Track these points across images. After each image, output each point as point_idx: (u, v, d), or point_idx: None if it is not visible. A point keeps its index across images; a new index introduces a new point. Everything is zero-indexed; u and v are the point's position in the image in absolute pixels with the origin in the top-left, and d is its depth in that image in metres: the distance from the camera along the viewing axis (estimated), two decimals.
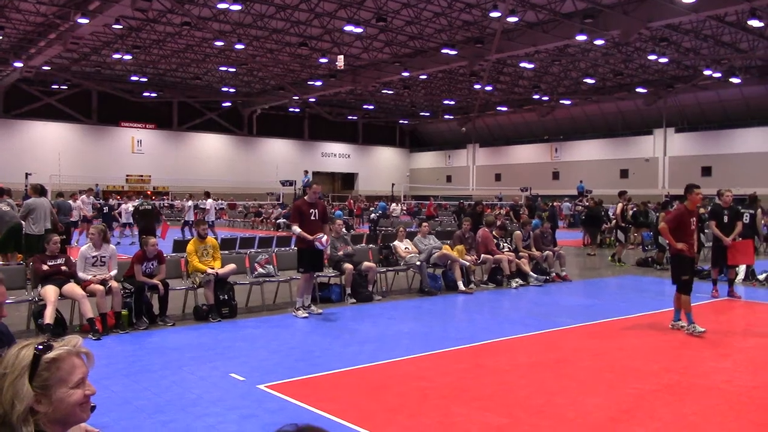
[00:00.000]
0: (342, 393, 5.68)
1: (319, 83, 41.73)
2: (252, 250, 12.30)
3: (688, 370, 6.48)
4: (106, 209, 24.23)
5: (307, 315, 9.08)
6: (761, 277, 12.51)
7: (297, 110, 53.75)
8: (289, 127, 55.70)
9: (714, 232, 11.03)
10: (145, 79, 43.34)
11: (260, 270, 10.08)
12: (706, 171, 42.99)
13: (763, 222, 18.23)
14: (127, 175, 46.77)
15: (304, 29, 30.86)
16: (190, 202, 22.93)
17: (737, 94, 42.08)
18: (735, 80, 38.44)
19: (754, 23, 27.27)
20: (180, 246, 11.66)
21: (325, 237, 9.10)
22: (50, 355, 1.71)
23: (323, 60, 35.14)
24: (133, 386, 5.79)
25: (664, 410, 5.23)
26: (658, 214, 16.72)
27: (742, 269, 12.29)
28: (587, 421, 4.98)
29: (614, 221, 17.52)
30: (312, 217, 9.30)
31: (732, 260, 10.80)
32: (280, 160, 52.53)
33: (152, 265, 8.73)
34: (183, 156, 49.41)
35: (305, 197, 9.79)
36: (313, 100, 47.04)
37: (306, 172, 32.49)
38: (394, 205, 36.74)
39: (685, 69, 38.63)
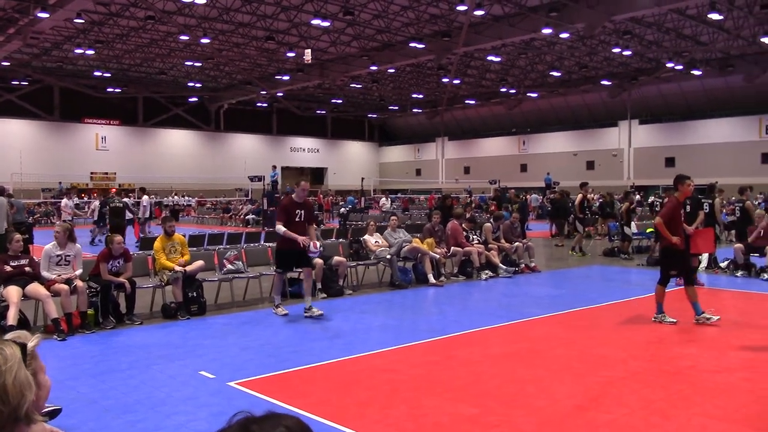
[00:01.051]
0: (313, 388, 5.67)
1: (286, 77, 41.42)
2: (221, 246, 12.19)
3: (654, 357, 6.60)
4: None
5: (286, 312, 8.91)
6: (723, 264, 12.81)
7: (265, 105, 53.31)
8: (256, 122, 55.21)
9: None
10: (108, 75, 42.50)
11: (229, 266, 9.99)
12: (670, 162, 43.77)
13: (724, 211, 18.70)
14: (92, 173, 45.85)
15: (271, 23, 30.58)
16: (145, 198, 22.54)
17: (698, 86, 42.91)
18: (696, 72, 39.21)
19: (714, 16, 27.85)
20: (147, 243, 11.50)
21: (316, 243, 8.93)
22: (31, 344, 1.77)
23: (290, 54, 34.88)
24: (100, 386, 5.70)
25: (631, 397, 5.32)
26: (621, 204, 16.96)
27: (704, 257, 12.56)
28: (557, 409, 5.05)
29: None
30: (297, 219, 8.82)
31: (694, 249, 10.97)
32: (248, 156, 52.06)
33: (118, 263, 8.58)
34: (149, 152, 48.64)
35: (293, 195, 9.18)
36: (280, 94, 46.70)
37: (274, 167, 32.29)
38: (383, 199, 36.65)
39: (648, 62, 39.25)
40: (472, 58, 38.62)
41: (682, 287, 10.90)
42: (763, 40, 31.68)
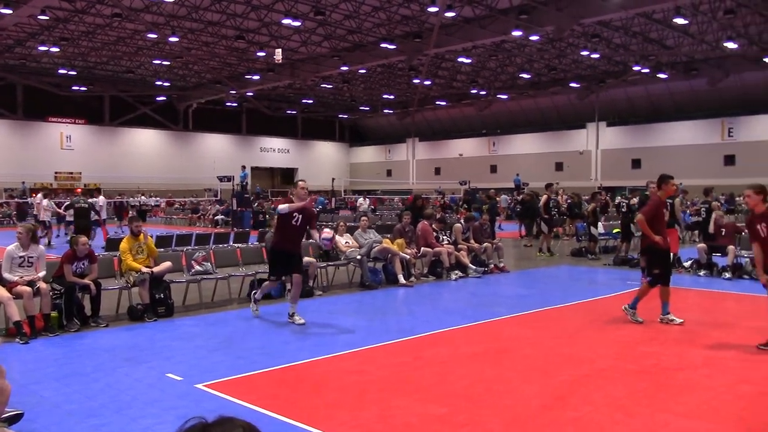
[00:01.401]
0: (282, 390, 5.64)
1: (256, 77, 41.15)
2: (189, 247, 12.06)
3: (620, 355, 6.71)
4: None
5: (257, 311, 8.87)
6: (686, 264, 13.07)
7: (234, 104, 52.84)
8: (226, 122, 54.69)
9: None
10: (73, 73, 41.72)
11: (197, 267, 9.88)
12: (636, 163, 44.60)
13: (689, 211, 19.08)
14: (56, 172, 44.94)
15: (241, 22, 30.35)
16: (101, 199, 22.19)
17: (664, 89, 43.72)
18: (662, 76, 39.99)
19: (679, 21, 28.41)
20: (113, 244, 11.32)
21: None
22: None
23: (261, 53, 34.67)
24: (63, 390, 5.59)
25: (596, 394, 5.40)
26: (588, 205, 17.21)
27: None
28: (524, 407, 5.10)
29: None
30: (294, 222, 8.31)
31: None
32: (218, 156, 51.54)
33: (83, 264, 8.44)
34: (116, 152, 47.83)
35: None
36: (250, 94, 46.36)
37: (243, 167, 32.08)
38: (360, 199, 36.47)
39: (615, 64, 39.89)
40: (443, 60, 38.82)
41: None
42: (725, 44, 32.44)
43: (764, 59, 35.69)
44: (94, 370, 6.24)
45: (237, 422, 1.43)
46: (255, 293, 9.02)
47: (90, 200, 19.06)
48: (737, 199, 30.44)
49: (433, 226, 12.89)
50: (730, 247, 12.26)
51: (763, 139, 39.67)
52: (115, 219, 28.40)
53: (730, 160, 40.71)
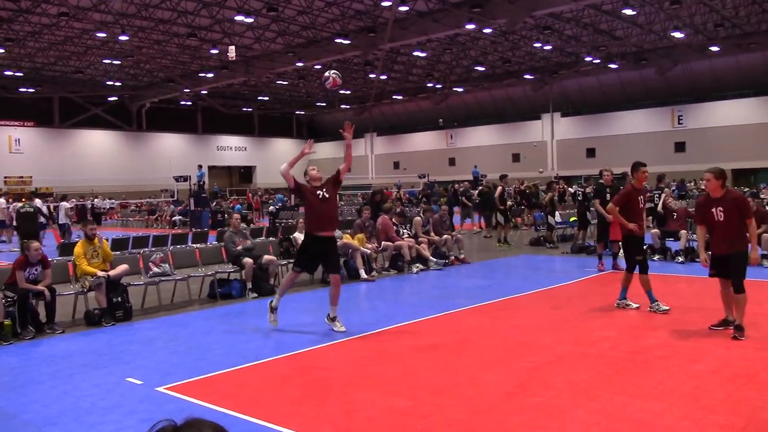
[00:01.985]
0: (244, 389, 5.60)
1: (210, 75, 40.62)
2: (146, 249, 11.85)
3: (578, 340, 6.84)
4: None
5: (276, 321, 7.83)
6: None
7: (189, 103, 52.05)
8: (181, 121, 53.82)
9: (597, 209, 11.68)
10: (20, 74, 40.50)
11: (155, 269, 9.72)
12: (591, 152, 45.48)
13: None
14: (5, 177, 43.61)
15: (193, 19, 29.88)
16: (65, 204, 21.70)
17: (615, 79, 44.64)
18: (613, 66, 40.85)
19: (628, 12, 29.08)
20: (67, 249, 11.05)
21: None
22: None
23: (214, 51, 34.22)
24: (19, 400, 5.45)
25: (557, 380, 5.50)
26: (545, 194, 17.48)
27: None
28: (486, 396, 5.17)
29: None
30: (320, 197, 7.68)
31: (614, 235, 11.47)
32: (173, 156, 50.66)
33: (36, 270, 8.22)
34: (67, 154, 46.62)
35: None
36: (205, 92, 45.72)
37: (200, 166, 31.57)
38: None
39: (567, 56, 40.54)
40: (398, 54, 38.91)
41: (608, 272, 11.38)
42: (673, 34, 33.29)
43: (710, 48, 36.76)
44: (51, 377, 6.10)
45: (206, 423, 1.45)
46: (271, 301, 7.97)
47: (35, 203, 18.59)
48: (688, 184, 31.28)
49: (393, 220, 12.93)
50: (683, 232, 12.60)
51: (711, 125, 40.89)
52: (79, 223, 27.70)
53: (680, 146, 41.84)
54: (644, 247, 8.47)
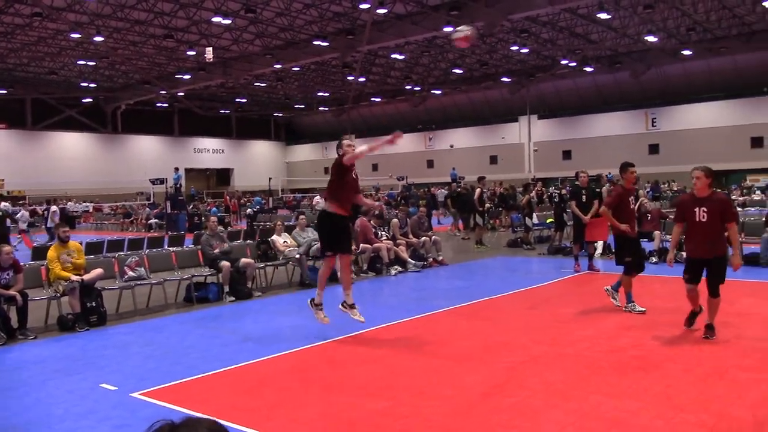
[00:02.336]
0: (221, 393, 5.56)
1: (187, 77, 40.27)
2: (121, 253, 11.71)
3: (554, 341, 6.90)
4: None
5: (326, 318, 7.42)
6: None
7: (165, 105, 51.59)
8: (157, 123, 53.30)
9: (574, 211, 11.78)
10: None
11: (131, 273, 9.61)
12: (567, 155, 45.95)
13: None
14: None
15: (169, 20, 29.63)
16: (54, 208, 21.46)
17: (591, 82, 45.15)
18: (588, 69, 41.31)
19: (603, 16, 29.45)
20: (40, 253, 10.89)
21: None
22: None
23: (191, 52, 33.98)
24: None
25: (533, 380, 5.55)
26: (522, 196, 17.60)
27: (599, 245, 13.23)
28: (464, 397, 5.19)
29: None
30: (354, 176, 7.47)
31: (590, 237, 11.62)
32: (150, 158, 50.20)
33: (7, 275, 8.08)
34: (40, 157, 45.87)
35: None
36: (181, 94, 45.30)
37: (176, 169, 31.31)
38: (318, 197, 35.81)
39: (544, 59, 40.92)
40: (377, 56, 38.96)
41: (584, 273, 11.49)
42: (646, 38, 33.78)
43: (682, 52, 37.34)
44: (23, 384, 6.00)
45: (203, 422, 1.50)
46: (312, 299, 7.56)
47: (5, 205, 18.34)
48: (662, 186, 31.73)
49: (372, 222, 12.93)
50: (656, 233, 12.77)
51: (683, 128, 41.54)
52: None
53: (654, 148, 42.41)
54: (642, 249, 8.54)
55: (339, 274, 7.44)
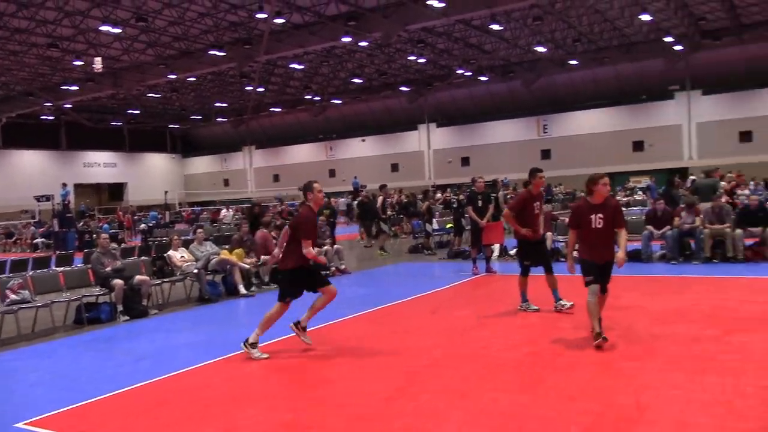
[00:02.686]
0: (116, 417, 5.31)
1: (74, 88, 38.29)
2: (2, 275, 10.97)
3: (454, 342, 7.08)
4: None
5: (266, 355, 6.83)
6: (512, 252, 14.03)
7: (51, 118, 48.79)
8: (42, 137, 50.28)
9: (470, 215, 12.13)
10: None
11: (13, 296, 9.02)
12: (465, 161, 47.33)
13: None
14: None
15: (53, 29, 28.12)
16: None
17: (485, 91, 46.76)
18: (483, 78, 42.78)
19: (495, 27, 30.61)
20: None
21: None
22: None
23: (78, 62, 32.40)
24: None
25: (434, 382, 5.67)
26: (422, 203, 17.95)
27: (496, 248, 13.68)
28: (367, 403, 5.22)
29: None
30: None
31: (487, 240, 11.99)
32: (34, 174, 47.26)
33: None
34: None
35: (311, 205, 6.96)
36: (68, 106, 43.07)
37: (64, 184, 29.72)
38: (224, 210, 34.65)
39: (441, 68, 41.99)
40: (275, 66, 38.65)
41: (482, 275, 11.83)
42: (536, 49, 35.41)
43: (569, 62, 39.42)
44: None
45: None
46: (247, 341, 6.91)
47: None
48: (554, 189, 33.24)
49: (272, 233, 12.78)
50: (548, 234, 13.35)
51: (573, 134, 43.87)
52: None
53: (546, 154, 44.40)
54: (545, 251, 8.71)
55: (318, 300, 7.13)
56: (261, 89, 42.70)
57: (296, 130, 56.01)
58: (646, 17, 30.84)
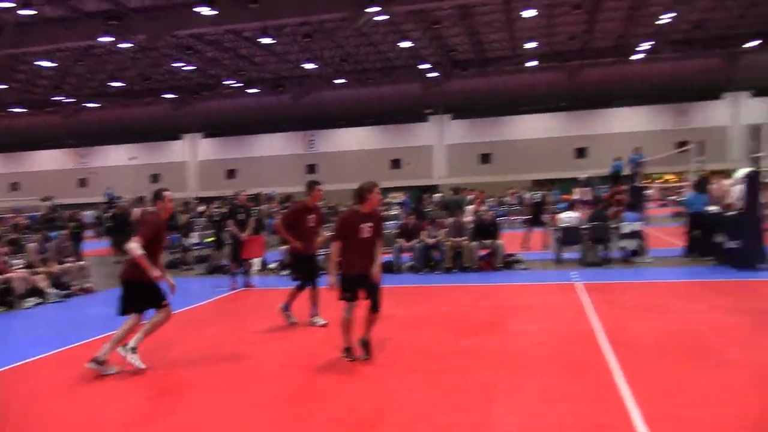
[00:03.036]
0: None
1: None
2: None
3: (206, 359, 6.85)
4: None
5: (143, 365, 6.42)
6: (272, 266, 14.07)
7: None
8: None
9: (231, 229, 11.90)
10: None
11: None
12: (231, 173, 47.34)
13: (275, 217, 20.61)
14: None
15: None
16: None
17: (255, 103, 46.62)
18: (252, 90, 42.66)
19: (266, 40, 30.73)
20: None
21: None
22: None
23: None
24: None
25: (184, 401, 5.42)
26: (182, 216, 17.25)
27: (257, 261, 13.56)
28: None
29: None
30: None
31: (247, 254, 11.86)
32: None
33: None
34: None
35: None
36: None
37: None
38: None
39: (209, 77, 40.97)
40: (20, 62, 34.58)
41: (240, 290, 11.64)
42: (305, 65, 36.23)
43: (335, 81, 40.95)
44: None
45: None
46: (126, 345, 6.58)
47: None
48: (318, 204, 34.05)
49: (2, 249, 11.33)
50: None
51: (338, 150, 45.75)
52: None
53: (311, 168, 45.56)
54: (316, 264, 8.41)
55: (152, 321, 6.77)
56: (2, 86, 38.03)
57: (44, 133, 50.32)
58: (406, 44, 33.23)
